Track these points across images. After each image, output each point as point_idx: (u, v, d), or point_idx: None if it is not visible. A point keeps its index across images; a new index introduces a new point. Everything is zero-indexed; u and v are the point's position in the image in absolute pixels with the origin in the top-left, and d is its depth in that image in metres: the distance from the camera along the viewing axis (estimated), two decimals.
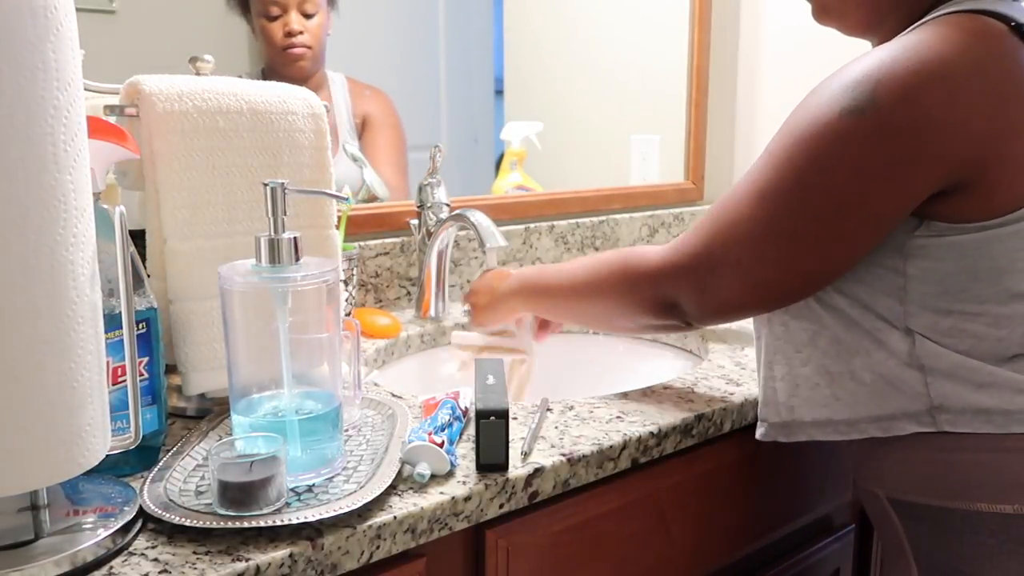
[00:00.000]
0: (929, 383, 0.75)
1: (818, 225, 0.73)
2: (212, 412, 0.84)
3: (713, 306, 0.79)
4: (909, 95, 0.69)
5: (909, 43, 0.71)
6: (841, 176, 0.71)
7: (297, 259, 0.69)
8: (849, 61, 0.74)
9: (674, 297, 0.81)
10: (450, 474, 0.72)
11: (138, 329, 0.71)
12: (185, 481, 0.68)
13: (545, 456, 0.76)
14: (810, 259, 0.74)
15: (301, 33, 1.19)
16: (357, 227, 1.25)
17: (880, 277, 0.76)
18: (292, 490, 0.66)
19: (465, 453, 0.76)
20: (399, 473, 0.70)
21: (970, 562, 0.75)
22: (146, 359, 0.72)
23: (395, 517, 0.65)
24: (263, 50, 1.19)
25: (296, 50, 1.19)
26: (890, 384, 0.77)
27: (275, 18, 1.17)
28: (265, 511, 0.62)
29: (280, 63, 1.20)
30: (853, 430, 0.80)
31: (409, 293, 1.31)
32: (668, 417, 0.85)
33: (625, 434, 0.81)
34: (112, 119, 0.77)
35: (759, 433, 0.87)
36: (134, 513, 0.62)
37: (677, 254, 0.80)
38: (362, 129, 1.31)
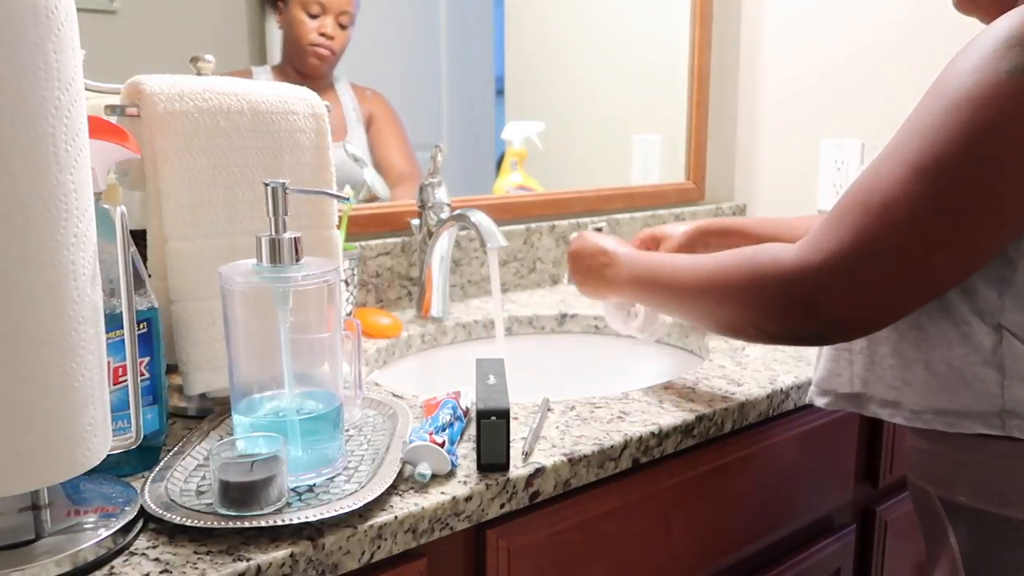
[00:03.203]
0: (1006, 385, 0.71)
1: (990, 196, 0.65)
2: (213, 412, 0.84)
3: (868, 307, 0.70)
4: None
5: None
6: (1014, 138, 0.64)
7: (298, 259, 0.69)
8: (980, 32, 0.69)
9: (816, 301, 0.71)
10: (451, 474, 0.72)
11: (139, 329, 0.71)
12: (186, 481, 0.68)
13: (546, 456, 0.76)
14: (979, 236, 0.67)
15: (333, 38, 1.26)
16: (358, 227, 1.25)
17: (992, 263, 0.70)
18: (293, 490, 0.66)
19: (466, 453, 0.76)
20: (400, 473, 0.70)
21: (1017, 574, 0.72)
22: (147, 359, 0.73)
23: (396, 517, 0.65)
24: (288, 42, 1.24)
25: (323, 51, 1.26)
26: (964, 380, 0.73)
27: (315, 16, 1.24)
28: (266, 511, 0.62)
29: (303, 58, 1.26)
30: (917, 419, 0.77)
31: (410, 293, 1.31)
32: (669, 417, 0.85)
33: (626, 434, 0.81)
34: (113, 119, 0.77)
35: (823, 402, 0.84)
36: (135, 513, 0.62)
37: (819, 252, 0.70)
38: (368, 127, 1.36)
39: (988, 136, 0.64)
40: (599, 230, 1.13)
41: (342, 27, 1.26)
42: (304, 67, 1.26)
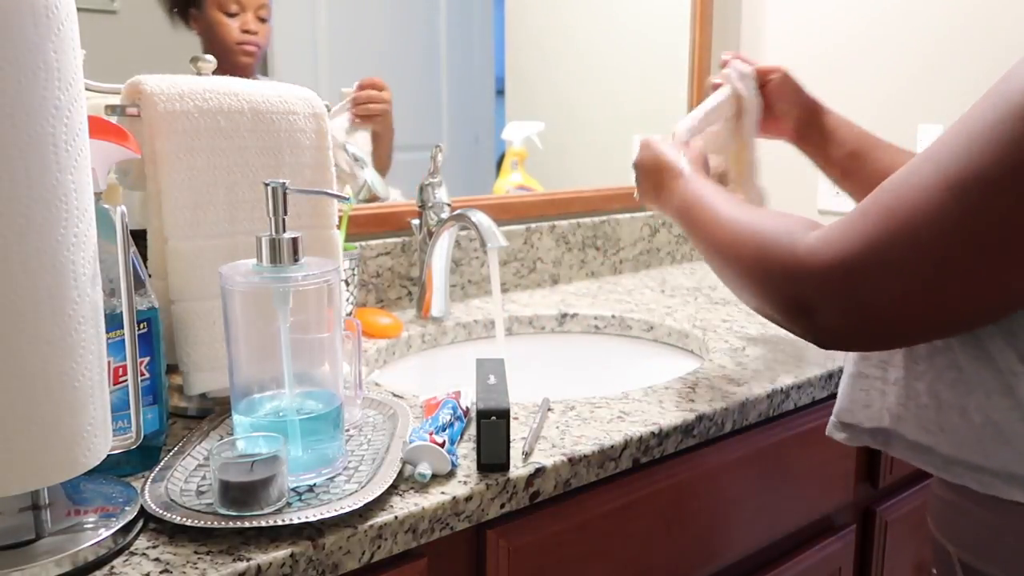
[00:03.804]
0: None
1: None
2: (213, 412, 0.84)
3: (861, 323, 0.61)
4: None
5: None
6: None
7: (298, 259, 0.69)
8: None
9: (812, 302, 0.63)
10: (451, 474, 0.72)
11: (139, 329, 0.71)
12: (186, 481, 0.68)
13: (546, 456, 0.76)
14: (1010, 272, 0.56)
15: (256, 33, 1.24)
16: (358, 227, 1.25)
17: None
18: (293, 490, 0.66)
19: (466, 453, 0.76)
20: (400, 473, 0.70)
21: None
22: (147, 359, 0.73)
23: (396, 517, 0.65)
24: (211, 45, 1.22)
25: (250, 47, 1.24)
26: (1002, 436, 0.64)
27: (233, 15, 1.21)
28: (266, 511, 0.62)
29: (230, 59, 1.24)
30: (948, 471, 0.68)
31: (410, 293, 1.31)
32: (669, 417, 0.85)
33: (626, 434, 0.81)
34: (113, 119, 0.77)
35: (842, 437, 0.76)
36: (135, 513, 0.62)
37: (829, 247, 0.62)
38: None
39: None
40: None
41: (262, 21, 1.24)
42: (233, 68, 1.23)
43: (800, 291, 0.64)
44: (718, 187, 0.87)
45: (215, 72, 1.16)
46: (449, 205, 1.24)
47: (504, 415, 0.71)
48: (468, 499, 0.69)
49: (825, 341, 0.65)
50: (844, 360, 0.77)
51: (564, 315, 1.31)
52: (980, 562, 0.67)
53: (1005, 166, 0.54)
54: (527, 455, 0.75)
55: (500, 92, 1.55)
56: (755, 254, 0.70)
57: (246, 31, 1.22)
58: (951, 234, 0.57)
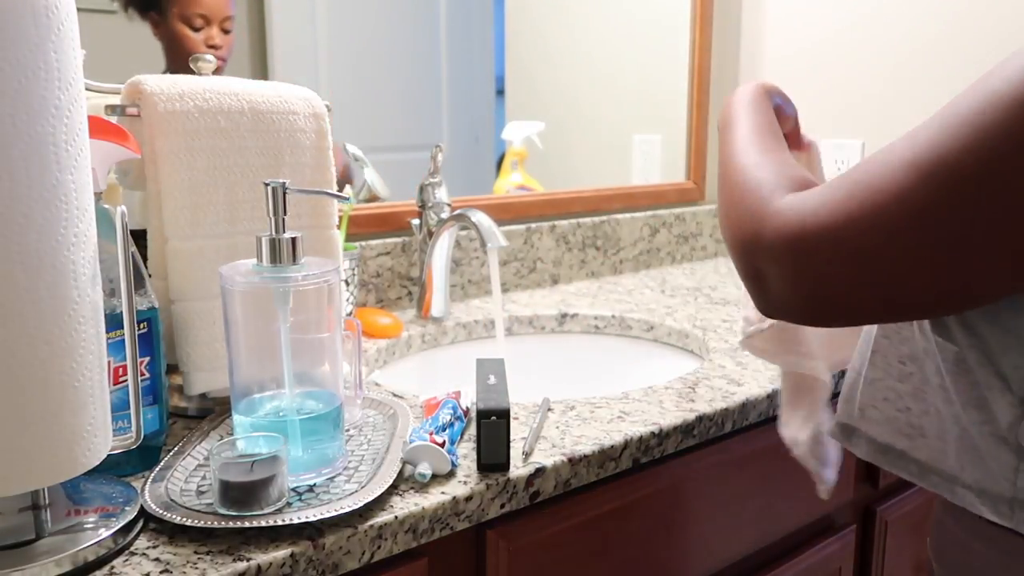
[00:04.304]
0: (1021, 471, 0.60)
1: (995, 223, 0.51)
2: (213, 412, 0.84)
3: (810, 296, 0.58)
4: None
5: None
6: None
7: (298, 259, 0.69)
8: None
9: (765, 264, 0.60)
10: (451, 474, 0.72)
11: (139, 329, 0.71)
12: (186, 481, 0.68)
13: (546, 456, 0.76)
14: (967, 266, 0.53)
15: (221, 47, 1.23)
16: (358, 227, 1.25)
17: (1020, 326, 0.58)
18: (293, 490, 0.66)
19: (466, 453, 0.76)
20: (400, 473, 0.70)
21: None
22: (147, 359, 0.73)
23: (396, 517, 0.65)
24: (174, 56, 1.20)
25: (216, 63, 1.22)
26: (974, 452, 0.62)
27: (198, 29, 1.20)
28: (266, 511, 0.62)
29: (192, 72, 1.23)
30: (923, 478, 0.67)
31: (410, 293, 1.31)
32: (669, 417, 0.85)
33: (626, 434, 0.81)
34: (113, 119, 0.77)
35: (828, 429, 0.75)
36: (135, 513, 0.62)
37: (793, 212, 0.58)
38: None
39: (1019, 149, 0.51)
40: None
41: (226, 32, 1.22)
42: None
43: (756, 250, 0.60)
44: (767, 113, 0.78)
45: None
46: (449, 205, 1.24)
47: (504, 415, 0.71)
48: (468, 499, 0.69)
49: (770, 308, 0.62)
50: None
51: (564, 315, 1.31)
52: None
53: (974, 154, 0.52)
54: (527, 455, 0.75)
55: (500, 92, 1.55)
56: (735, 197, 0.64)
57: (211, 46, 1.21)
58: (912, 216, 0.54)
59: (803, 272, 0.58)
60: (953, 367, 0.63)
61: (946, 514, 0.67)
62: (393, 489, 0.69)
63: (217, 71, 1.21)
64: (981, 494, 0.62)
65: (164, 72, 1.19)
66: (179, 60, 1.19)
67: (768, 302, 0.61)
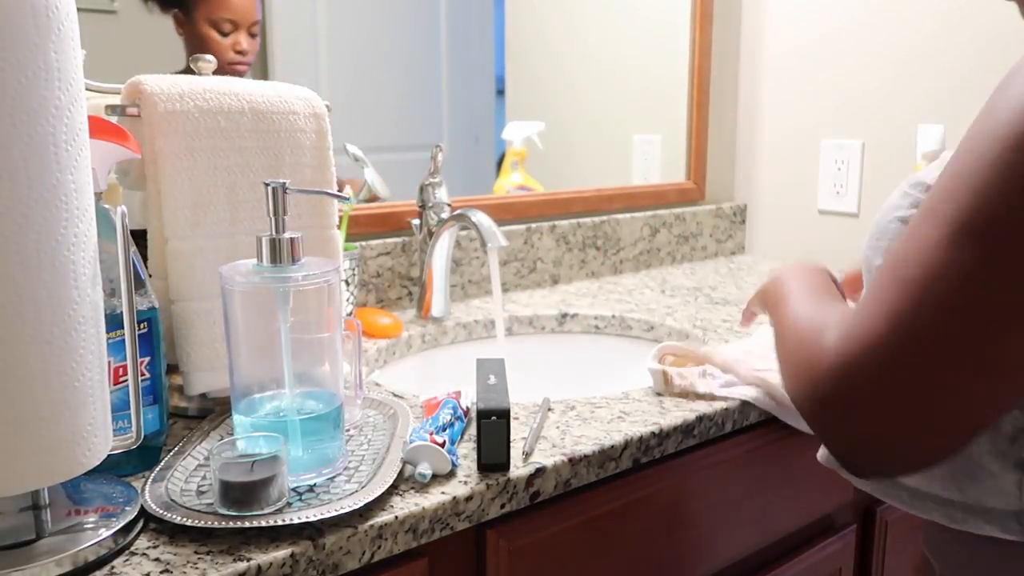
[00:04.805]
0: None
1: None
2: (213, 412, 0.84)
3: (910, 417, 0.51)
4: None
5: None
6: None
7: (298, 259, 0.69)
8: None
9: (845, 405, 0.53)
10: (451, 474, 0.72)
11: (139, 329, 0.71)
12: (186, 481, 0.68)
13: (546, 456, 0.76)
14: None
15: (247, 52, 1.22)
16: (359, 227, 1.25)
17: None
18: (293, 490, 0.66)
19: (466, 453, 0.76)
20: (400, 473, 0.70)
21: None
22: (147, 359, 0.73)
23: (396, 517, 0.65)
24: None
25: (241, 68, 1.23)
26: (974, 471, 0.60)
27: (226, 34, 1.20)
28: (266, 511, 0.62)
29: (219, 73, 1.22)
30: (917, 505, 0.65)
31: (411, 293, 1.31)
32: (669, 417, 0.85)
33: (627, 434, 0.81)
34: (113, 119, 0.77)
35: (821, 456, 0.72)
36: (135, 513, 0.62)
37: (852, 340, 0.52)
38: None
39: None
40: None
41: (252, 36, 1.22)
42: None
43: (830, 395, 0.53)
44: (819, 274, 0.74)
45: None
46: (449, 205, 1.24)
47: (504, 415, 0.71)
48: (468, 499, 0.69)
49: (867, 459, 0.54)
50: None
51: (564, 315, 1.31)
52: None
53: (1016, 193, 0.47)
54: (527, 455, 0.75)
55: (500, 92, 1.55)
56: (796, 360, 0.58)
57: (239, 51, 1.20)
58: (976, 285, 0.48)
59: (893, 389, 0.51)
60: None
61: (947, 530, 0.65)
62: (393, 489, 0.69)
63: (241, 75, 1.21)
64: (986, 514, 0.61)
65: (182, 71, 1.20)
66: None
67: (855, 443, 0.54)
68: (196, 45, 1.18)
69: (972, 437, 0.52)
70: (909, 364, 0.50)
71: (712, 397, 0.90)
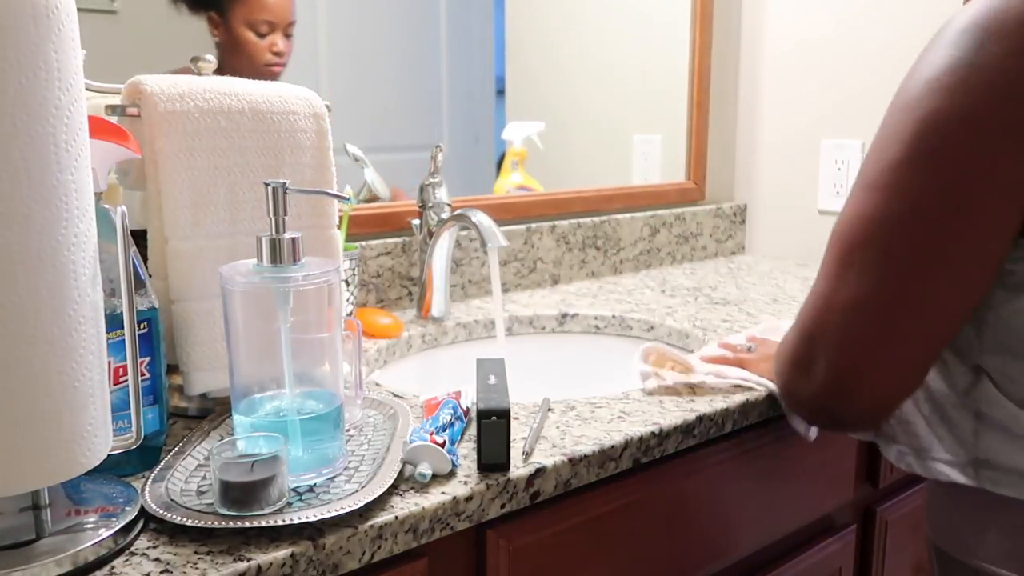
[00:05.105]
0: (979, 432, 0.66)
1: (949, 200, 0.57)
2: (213, 412, 0.84)
3: (863, 360, 0.63)
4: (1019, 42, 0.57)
5: None
6: (961, 138, 0.57)
7: (298, 259, 0.69)
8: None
9: (811, 359, 0.67)
10: (451, 474, 0.72)
11: (139, 329, 0.71)
12: (187, 481, 0.68)
13: (546, 456, 0.76)
14: (957, 248, 0.58)
15: (284, 53, 1.23)
16: (359, 227, 1.25)
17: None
18: (294, 490, 0.66)
19: (466, 453, 0.76)
20: (400, 473, 0.70)
21: None
22: (147, 359, 0.73)
23: (396, 517, 0.65)
24: (235, 59, 1.21)
25: (277, 69, 1.24)
26: (943, 422, 0.69)
27: (264, 35, 1.20)
28: (267, 511, 0.62)
29: (256, 74, 1.24)
30: (902, 459, 0.74)
31: (411, 293, 1.31)
32: (670, 417, 0.85)
33: (627, 434, 0.81)
34: (114, 119, 0.77)
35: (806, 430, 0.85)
36: (136, 513, 0.62)
37: (808, 303, 0.67)
38: None
39: (931, 131, 0.58)
40: None
41: (287, 37, 1.23)
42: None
43: (802, 349, 0.68)
44: None
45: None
46: (449, 205, 1.24)
47: (504, 415, 0.71)
48: (468, 499, 0.69)
49: (836, 406, 0.67)
50: None
51: (564, 315, 1.31)
52: (940, 541, 0.74)
53: (904, 148, 0.59)
54: (527, 455, 0.75)
55: (500, 92, 1.55)
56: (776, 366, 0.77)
57: (276, 52, 1.21)
58: (884, 229, 0.59)
59: (840, 336, 0.63)
60: None
61: (933, 486, 0.74)
62: (393, 489, 0.69)
63: (276, 77, 1.23)
64: (946, 462, 0.69)
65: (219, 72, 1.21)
66: (241, 64, 1.20)
67: (822, 390, 0.67)
68: (233, 47, 1.19)
69: (923, 364, 0.63)
70: (849, 303, 0.61)
71: (705, 386, 0.92)
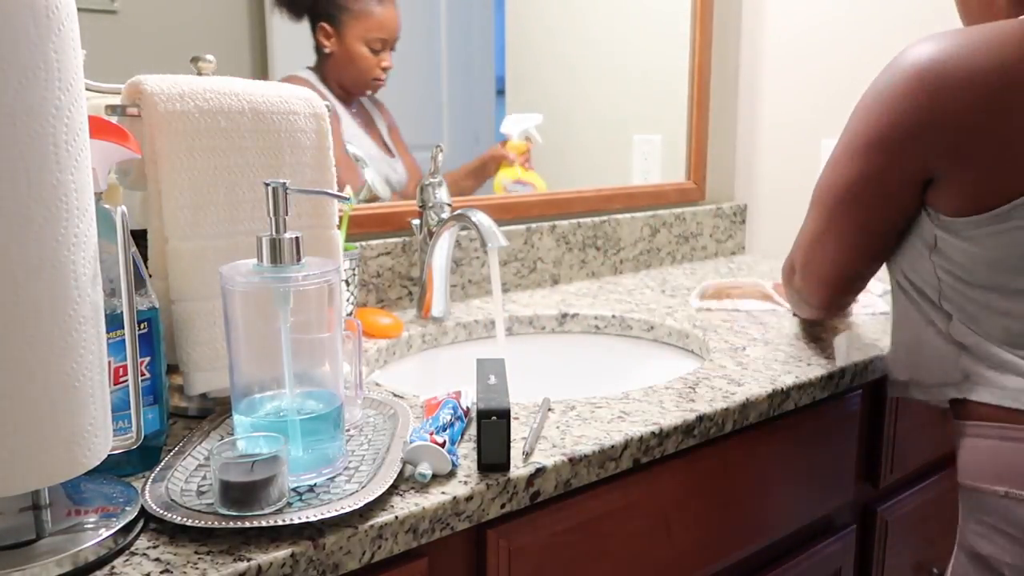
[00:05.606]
0: (962, 357, 0.86)
1: (865, 186, 0.88)
2: (214, 412, 0.84)
3: (808, 280, 1.00)
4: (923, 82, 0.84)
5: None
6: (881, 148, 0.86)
7: (299, 259, 0.69)
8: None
9: (790, 275, 1.04)
10: (451, 474, 0.72)
11: (140, 329, 0.71)
12: (187, 481, 0.68)
13: (546, 456, 0.76)
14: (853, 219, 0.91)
15: (390, 68, 1.30)
16: (359, 227, 1.25)
17: (919, 261, 0.88)
18: (294, 490, 0.66)
19: (467, 453, 0.76)
20: (401, 473, 0.70)
21: (977, 540, 0.85)
22: (148, 359, 0.73)
23: (396, 517, 0.65)
24: (346, 69, 1.27)
25: (380, 83, 1.31)
26: (941, 358, 0.88)
27: (377, 51, 1.27)
28: (267, 511, 0.62)
29: (362, 87, 1.30)
30: (904, 390, 0.95)
31: (411, 293, 1.31)
32: (670, 417, 0.85)
33: (627, 434, 0.81)
34: (114, 119, 0.77)
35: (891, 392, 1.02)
36: (136, 513, 0.62)
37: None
38: (390, 133, 1.40)
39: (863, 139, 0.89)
40: None
41: (392, 51, 1.29)
42: (359, 92, 1.29)
43: (789, 281, 1.06)
44: None
45: (332, 82, 1.22)
46: (450, 205, 1.24)
47: (504, 415, 0.71)
48: (468, 499, 0.69)
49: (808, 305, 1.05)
50: None
51: (564, 315, 1.31)
52: (961, 476, 0.87)
53: (842, 143, 0.91)
54: (527, 455, 0.75)
55: (500, 92, 1.55)
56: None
57: (384, 68, 1.27)
58: (828, 194, 0.92)
59: (799, 264, 1.01)
60: (909, 304, 0.92)
61: (955, 434, 0.89)
62: (393, 489, 0.69)
63: (376, 90, 1.31)
64: (944, 385, 0.89)
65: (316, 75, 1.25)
66: (351, 76, 1.27)
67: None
68: (345, 60, 1.25)
69: (849, 270, 0.95)
70: (805, 235, 0.98)
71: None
